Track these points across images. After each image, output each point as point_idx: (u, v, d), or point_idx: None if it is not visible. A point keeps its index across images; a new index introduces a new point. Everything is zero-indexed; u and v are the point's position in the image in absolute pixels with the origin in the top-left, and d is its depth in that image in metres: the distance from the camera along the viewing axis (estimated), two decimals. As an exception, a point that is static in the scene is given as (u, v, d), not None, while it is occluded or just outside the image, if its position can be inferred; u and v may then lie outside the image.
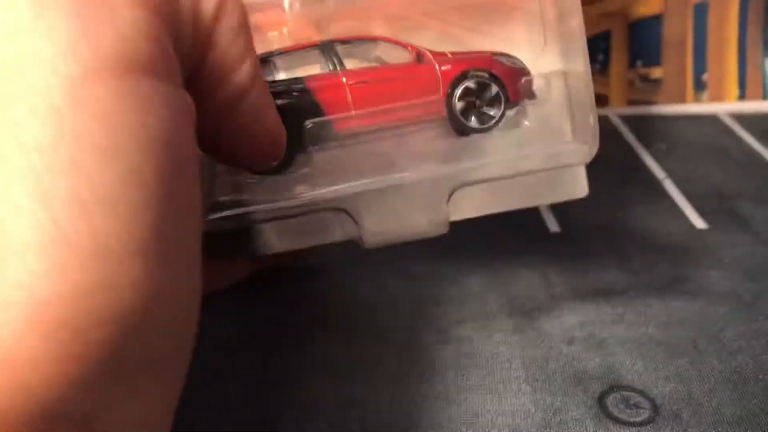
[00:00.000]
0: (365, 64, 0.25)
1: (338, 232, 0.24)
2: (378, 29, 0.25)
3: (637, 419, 0.23)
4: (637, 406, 0.23)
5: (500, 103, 0.24)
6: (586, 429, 0.22)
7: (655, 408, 0.23)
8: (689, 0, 0.48)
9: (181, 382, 0.16)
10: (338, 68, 0.24)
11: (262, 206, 0.23)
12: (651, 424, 0.22)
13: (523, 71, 0.25)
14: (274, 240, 0.24)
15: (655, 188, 0.38)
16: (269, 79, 0.24)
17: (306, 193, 0.24)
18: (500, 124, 0.25)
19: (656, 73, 0.49)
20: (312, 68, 0.24)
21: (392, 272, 0.31)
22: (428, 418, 0.23)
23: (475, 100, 0.24)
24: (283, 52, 0.24)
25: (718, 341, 0.26)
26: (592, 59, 0.48)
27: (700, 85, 0.49)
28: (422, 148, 0.25)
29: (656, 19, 0.48)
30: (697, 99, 0.49)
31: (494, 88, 0.24)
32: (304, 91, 0.24)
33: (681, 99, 0.49)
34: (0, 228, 0.13)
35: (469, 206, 0.24)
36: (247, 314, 0.29)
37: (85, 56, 0.14)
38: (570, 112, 0.25)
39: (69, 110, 0.13)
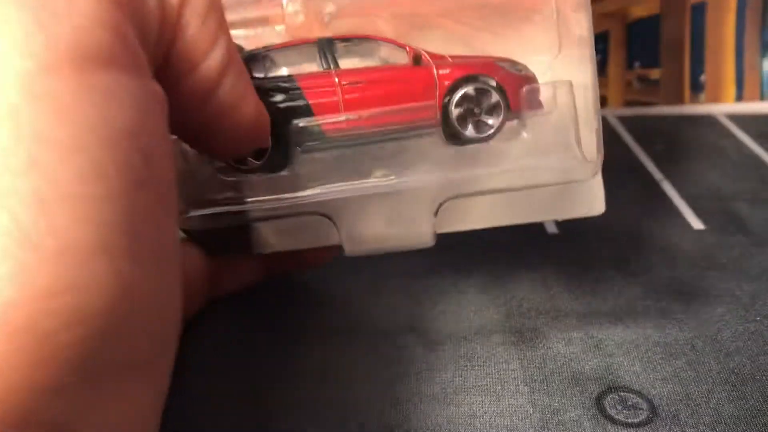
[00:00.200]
0: (362, 64, 0.24)
1: (331, 236, 0.23)
2: (385, 27, 0.24)
3: (635, 420, 0.23)
4: (634, 406, 0.23)
5: (500, 112, 0.23)
6: (584, 430, 0.22)
7: (653, 409, 0.23)
8: (687, 1, 0.48)
9: (166, 382, 0.16)
10: (332, 67, 0.23)
11: (248, 205, 0.23)
12: (649, 425, 0.22)
13: (528, 79, 0.23)
14: (269, 239, 0.24)
15: (653, 189, 0.38)
16: (261, 74, 0.23)
17: (289, 196, 0.23)
18: (499, 134, 0.23)
19: (654, 74, 0.49)
20: (307, 65, 0.23)
21: (390, 273, 0.31)
22: (426, 419, 0.23)
23: (473, 108, 0.23)
24: (278, 48, 0.24)
25: (715, 342, 0.26)
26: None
27: (697, 87, 0.49)
28: (413, 156, 0.23)
29: (654, 20, 0.48)
30: (694, 100, 0.49)
31: (494, 96, 0.23)
32: (294, 90, 0.23)
33: (678, 100, 0.49)
34: None
35: (460, 219, 0.23)
36: (244, 317, 0.29)
37: (41, 50, 0.13)
38: (576, 124, 0.23)
39: (26, 107, 0.13)
